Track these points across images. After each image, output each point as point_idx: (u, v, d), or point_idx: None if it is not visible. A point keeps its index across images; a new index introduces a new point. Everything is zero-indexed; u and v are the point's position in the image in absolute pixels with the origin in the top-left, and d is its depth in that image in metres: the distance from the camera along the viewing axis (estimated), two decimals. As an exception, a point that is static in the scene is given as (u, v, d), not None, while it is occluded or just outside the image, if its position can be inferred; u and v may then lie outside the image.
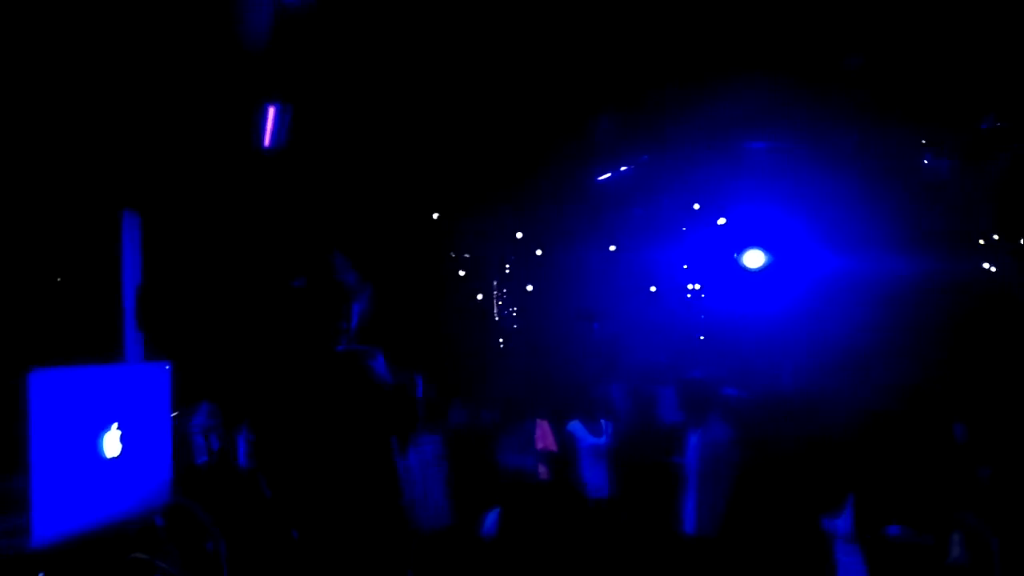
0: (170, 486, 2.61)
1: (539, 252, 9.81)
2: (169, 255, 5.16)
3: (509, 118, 8.39)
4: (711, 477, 6.19)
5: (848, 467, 5.51)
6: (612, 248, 10.00)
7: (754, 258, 9.77)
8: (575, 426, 7.09)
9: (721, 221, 10.05)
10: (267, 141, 6.29)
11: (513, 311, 9.94)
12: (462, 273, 9.67)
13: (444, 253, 9.55)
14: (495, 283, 9.89)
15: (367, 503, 3.46)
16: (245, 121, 6.24)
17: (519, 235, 9.75)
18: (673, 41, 7.56)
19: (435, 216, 9.06)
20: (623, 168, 9.26)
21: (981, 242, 11.65)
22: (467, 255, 9.66)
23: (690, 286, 10.33)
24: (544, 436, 7.42)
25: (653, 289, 10.38)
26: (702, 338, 10.19)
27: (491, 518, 6.75)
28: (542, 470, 7.27)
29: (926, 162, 8.65)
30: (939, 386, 6.59)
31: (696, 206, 10.07)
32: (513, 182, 9.03)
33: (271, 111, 6.23)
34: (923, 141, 8.59)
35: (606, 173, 9.30)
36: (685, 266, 10.47)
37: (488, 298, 9.91)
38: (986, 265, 11.98)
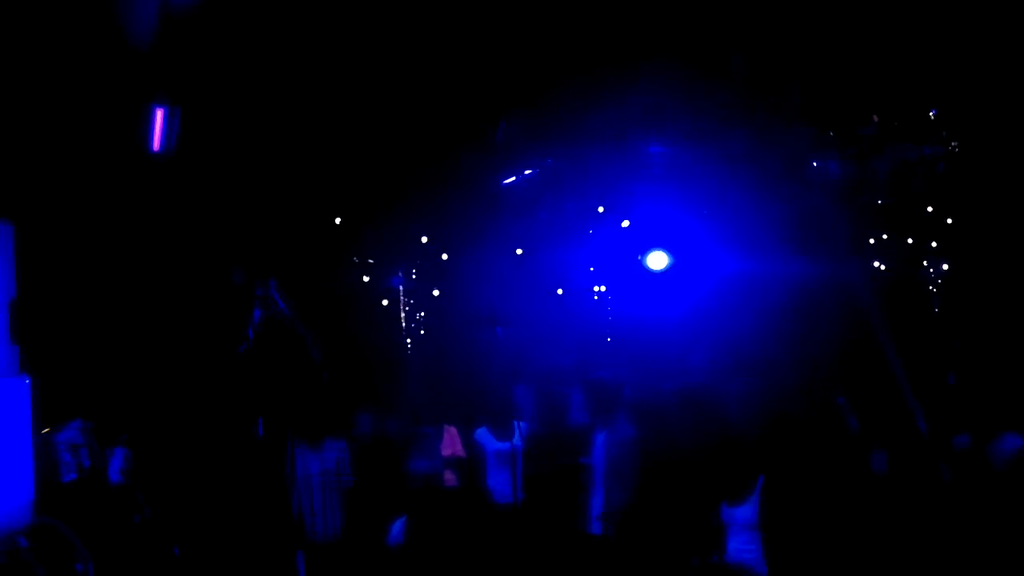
0: (32, 505, 2.43)
1: (445, 256, 9.74)
2: (46, 266, 4.88)
3: (411, 121, 8.31)
4: (617, 477, 6.22)
5: (752, 459, 5.61)
6: (518, 251, 10.00)
7: (657, 259, 9.92)
8: (481, 432, 7.04)
9: (625, 223, 10.17)
10: (155, 145, 6.03)
11: (420, 316, 9.84)
12: (366, 279, 9.52)
13: (347, 259, 9.37)
14: (400, 288, 9.77)
15: (253, 516, 3.33)
16: (131, 124, 5.97)
17: (424, 239, 9.66)
18: (572, 45, 7.63)
19: (337, 221, 8.90)
20: (527, 171, 9.29)
21: (871, 241, 12.16)
22: (371, 260, 9.51)
23: (596, 288, 10.42)
24: (452, 442, 7.36)
25: (560, 292, 10.43)
26: (609, 339, 10.28)
27: (397, 526, 6.63)
28: (449, 477, 7.20)
29: (815, 164, 8.96)
30: (832, 380, 6.81)
31: (600, 208, 10.18)
32: (417, 186, 8.96)
33: (159, 113, 5.97)
34: (811, 143, 8.90)
35: (511, 176, 9.31)
36: (591, 268, 10.56)
37: (394, 304, 9.78)
38: (876, 264, 12.51)
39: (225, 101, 6.59)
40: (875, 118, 8.69)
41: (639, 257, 9.97)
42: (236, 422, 3.50)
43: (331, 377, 4.65)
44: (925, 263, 12.80)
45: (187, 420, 3.51)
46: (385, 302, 9.70)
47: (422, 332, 9.81)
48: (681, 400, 6.45)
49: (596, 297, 10.48)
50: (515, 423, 6.67)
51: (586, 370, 7.46)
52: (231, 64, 6.26)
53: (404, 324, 9.70)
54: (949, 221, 12.40)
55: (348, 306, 8.83)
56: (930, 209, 12.19)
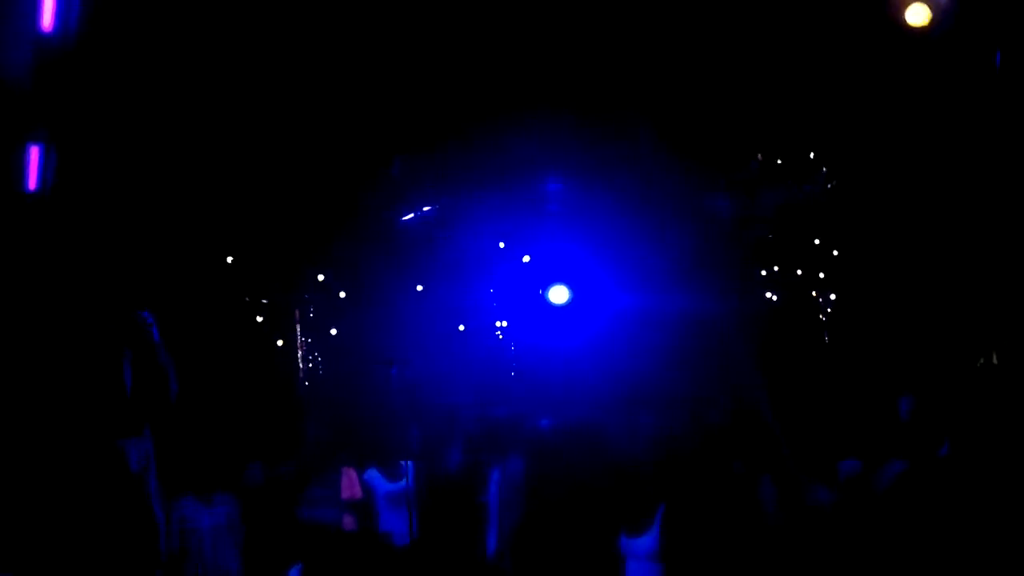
0: None
1: (343, 295, 9.61)
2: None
3: (307, 157, 8.23)
4: (512, 513, 6.20)
5: (651, 489, 5.66)
6: (419, 288, 9.96)
7: (559, 294, 10.03)
8: (371, 474, 6.91)
9: (526, 259, 10.27)
10: (30, 183, 5.80)
11: (317, 357, 9.66)
12: (260, 319, 9.31)
13: (239, 298, 9.15)
14: (297, 328, 9.58)
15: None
16: (5, 163, 5.74)
17: (320, 278, 9.52)
18: (466, 85, 7.71)
19: (229, 260, 8.69)
20: (426, 208, 9.29)
21: (763, 273, 12.61)
22: (264, 300, 9.30)
23: (498, 323, 10.46)
24: (350, 485, 7.20)
25: (462, 328, 10.42)
26: (513, 374, 10.31)
27: (293, 574, 6.43)
28: (348, 520, 7.04)
29: (707, 201, 9.27)
30: (723, 414, 6.97)
31: (501, 244, 10.25)
32: (312, 223, 8.84)
33: (34, 151, 5.75)
34: (703, 180, 9.21)
35: (409, 213, 9.29)
36: (493, 304, 10.60)
37: (290, 344, 9.58)
38: (768, 295, 12.96)
39: (105, 138, 6.39)
40: (759, 157, 9.06)
41: (541, 292, 10.07)
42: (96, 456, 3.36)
43: (182, 412, 4.54)
44: (814, 294, 13.35)
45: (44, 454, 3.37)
46: (280, 343, 9.50)
47: (320, 373, 9.63)
48: (573, 434, 6.49)
49: (499, 334, 10.52)
50: (404, 463, 6.58)
51: (483, 407, 7.45)
52: (110, 100, 6.08)
53: (301, 364, 9.50)
54: (835, 253, 12.99)
55: (239, 346, 8.60)
56: (816, 242, 12.75)
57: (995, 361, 10.99)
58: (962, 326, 10.98)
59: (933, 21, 5.66)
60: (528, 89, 7.93)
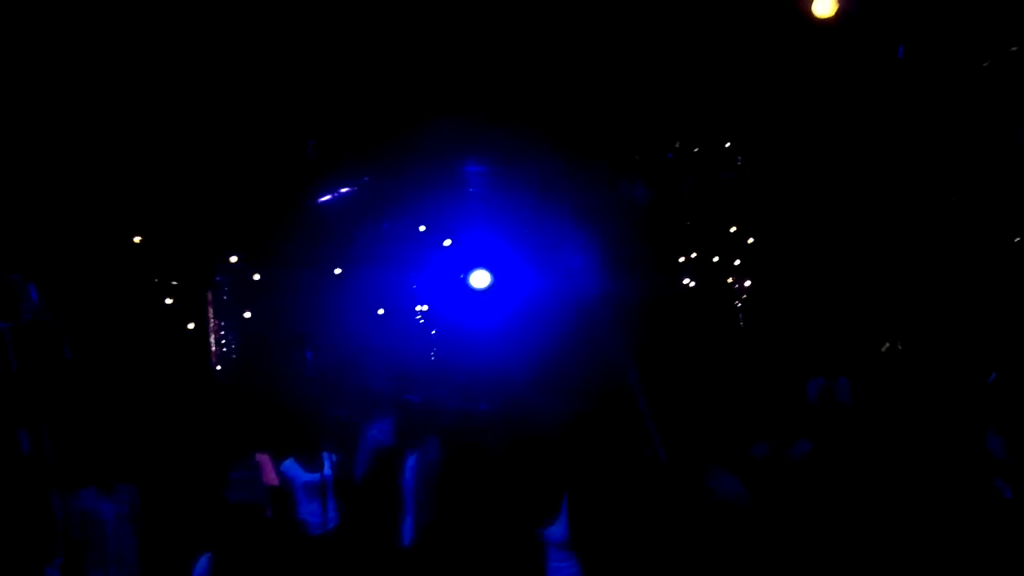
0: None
1: (257, 276, 9.37)
2: None
3: (220, 137, 7.98)
4: (428, 499, 6.16)
5: (558, 475, 5.68)
6: (337, 271, 9.79)
7: (480, 278, 9.98)
8: (288, 464, 6.75)
9: (447, 243, 10.18)
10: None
11: (231, 341, 9.41)
12: (169, 301, 9.00)
13: (147, 280, 8.82)
14: (210, 311, 9.31)
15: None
16: None
17: (233, 259, 9.26)
18: (385, 67, 7.59)
19: (136, 240, 8.38)
20: (344, 189, 9.10)
21: (681, 260, 12.81)
22: (175, 282, 9.00)
23: (419, 307, 10.37)
24: (268, 472, 7.04)
25: (381, 312, 10.29)
26: (432, 357, 10.25)
27: (202, 564, 6.25)
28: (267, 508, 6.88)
29: (623, 189, 9.34)
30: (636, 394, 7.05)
31: (422, 228, 10.14)
32: (225, 203, 8.58)
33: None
34: (619, 168, 9.29)
35: (327, 195, 9.10)
36: (414, 287, 10.50)
37: (201, 327, 9.30)
38: (686, 281, 13.18)
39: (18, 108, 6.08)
40: (677, 145, 9.17)
41: (461, 276, 10.01)
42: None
43: (82, 398, 4.34)
44: (730, 280, 13.64)
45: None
46: (192, 325, 9.21)
47: (234, 357, 9.39)
48: (491, 419, 6.49)
49: (420, 318, 10.42)
50: (324, 452, 6.45)
51: (400, 392, 7.37)
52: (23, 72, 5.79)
53: (214, 348, 9.24)
54: (750, 241, 13.29)
55: (151, 331, 8.31)
56: (733, 229, 13.02)
57: (900, 347, 11.45)
58: (870, 312, 11.39)
59: (840, 12, 5.81)
60: (447, 73, 7.85)
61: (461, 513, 6.19)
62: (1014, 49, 7.30)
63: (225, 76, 7.48)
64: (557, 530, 5.47)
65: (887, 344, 11.68)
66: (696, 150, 9.50)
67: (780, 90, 8.25)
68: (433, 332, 10.12)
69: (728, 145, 9.61)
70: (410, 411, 6.48)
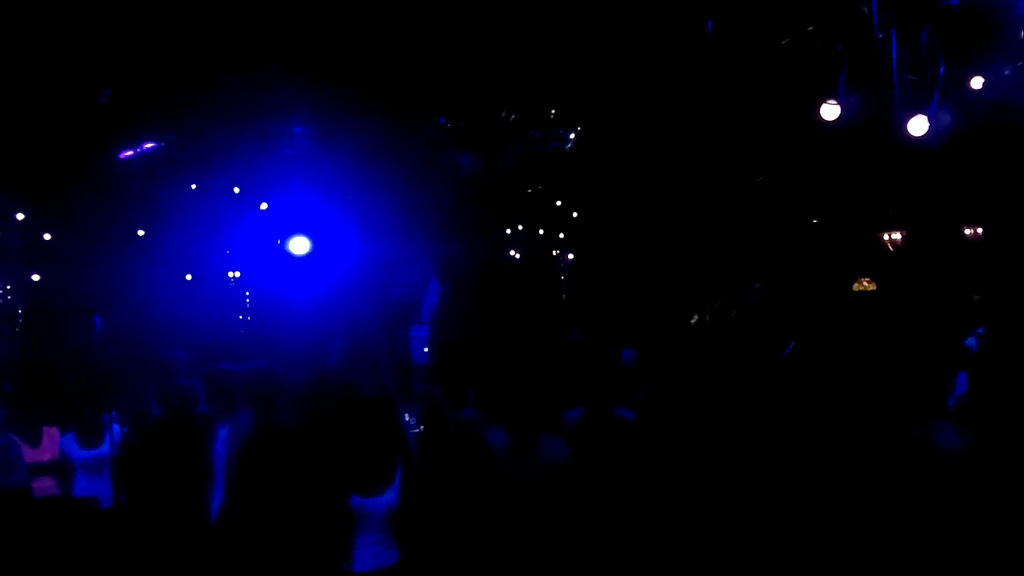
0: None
1: (47, 236, 8.55)
2: None
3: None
4: (239, 470, 5.85)
5: (376, 448, 5.53)
6: (140, 233, 9.09)
7: (299, 244, 9.59)
8: (66, 440, 6.21)
9: (264, 206, 9.69)
10: None
11: (16, 304, 8.55)
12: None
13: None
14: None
15: None
16: None
17: (20, 216, 8.39)
18: (198, 13, 7.05)
19: None
20: (148, 145, 8.43)
21: (508, 231, 12.93)
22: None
23: (231, 273, 9.82)
24: (51, 445, 6.45)
25: (189, 277, 9.67)
26: (247, 319, 9.74)
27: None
28: (48, 484, 6.30)
29: (447, 156, 9.26)
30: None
31: (236, 190, 9.58)
32: (9, 153, 7.72)
33: None
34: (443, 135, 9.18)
35: (128, 150, 8.38)
36: (227, 252, 9.93)
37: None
38: (512, 252, 13.32)
39: None
40: (504, 114, 9.16)
41: (279, 241, 9.57)
42: None
43: None
44: (555, 252, 13.90)
45: None
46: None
47: (20, 322, 8.52)
48: (306, 386, 6.24)
49: (231, 283, 9.88)
50: (107, 427, 5.97)
51: (212, 360, 6.96)
52: None
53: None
54: (575, 215, 13.59)
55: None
56: (559, 203, 13.26)
57: (707, 319, 12.09)
58: (683, 286, 11.94)
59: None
60: (266, 25, 7.41)
61: (271, 487, 5.94)
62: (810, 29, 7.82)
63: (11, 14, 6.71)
64: (381, 502, 5.34)
65: (696, 316, 12.27)
66: (523, 120, 9.54)
67: (609, 62, 8.39)
68: (247, 298, 9.64)
69: (554, 114, 9.72)
70: (221, 379, 6.14)
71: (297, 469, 5.68)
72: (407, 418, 6.10)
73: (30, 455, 6.18)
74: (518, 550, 5.39)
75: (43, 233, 8.52)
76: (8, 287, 8.43)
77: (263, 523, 5.87)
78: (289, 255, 9.39)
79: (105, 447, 6.00)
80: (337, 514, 5.40)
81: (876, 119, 8.63)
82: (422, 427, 6.31)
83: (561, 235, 13.28)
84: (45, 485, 6.26)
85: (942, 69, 8.11)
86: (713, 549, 4.79)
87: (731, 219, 11.48)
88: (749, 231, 11.80)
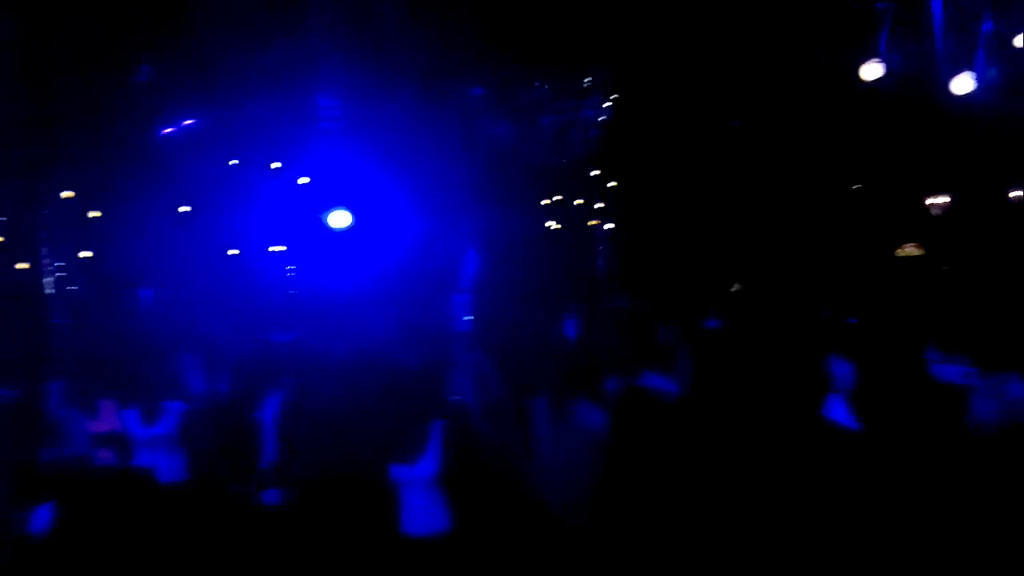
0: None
1: (95, 213, 8.74)
2: None
3: (50, 56, 7.28)
4: (287, 442, 6.00)
5: (425, 413, 5.62)
6: (186, 208, 9.25)
7: (339, 218, 9.69)
8: (128, 414, 6.40)
9: (304, 180, 9.79)
10: None
11: (66, 281, 8.76)
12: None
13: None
14: (42, 250, 8.61)
15: None
16: None
17: (69, 194, 8.58)
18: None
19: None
20: (190, 121, 8.55)
21: (545, 203, 12.89)
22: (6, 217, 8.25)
23: (276, 248, 9.96)
24: (108, 417, 6.67)
25: (235, 252, 9.83)
26: (291, 291, 9.88)
27: (42, 514, 5.86)
28: (105, 455, 6.52)
29: (486, 126, 9.24)
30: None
31: (277, 164, 9.69)
32: (57, 132, 7.88)
33: None
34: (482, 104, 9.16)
35: (170, 126, 8.52)
36: (269, 227, 10.07)
37: (35, 268, 8.61)
38: (551, 224, 13.30)
39: None
40: (539, 82, 9.12)
41: (320, 215, 9.68)
42: None
43: None
44: (594, 222, 13.84)
45: None
46: (26, 265, 8.49)
47: (71, 297, 8.73)
48: (348, 360, 6.35)
49: (276, 257, 10.02)
50: (166, 402, 6.15)
51: (258, 333, 7.11)
52: None
53: (47, 289, 8.57)
54: (611, 184, 13.51)
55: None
56: (596, 172, 13.18)
57: (739, 288, 11.99)
58: (721, 255, 11.86)
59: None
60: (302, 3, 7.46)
61: (319, 456, 6.07)
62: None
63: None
64: (420, 468, 5.44)
65: (736, 285, 12.18)
66: (558, 87, 9.49)
67: (644, 23, 8.29)
68: (290, 272, 9.78)
69: (589, 83, 9.65)
70: (270, 350, 6.28)
71: (341, 437, 5.80)
72: (450, 385, 6.18)
73: (89, 427, 6.40)
74: (557, 517, 5.48)
75: (91, 210, 8.73)
76: (62, 263, 8.65)
77: (311, 491, 6.03)
78: (330, 228, 9.50)
79: (164, 423, 6.18)
80: (381, 481, 5.51)
81: (919, 78, 8.44)
82: (467, 395, 6.39)
83: (599, 205, 13.23)
84: (104, 456, 6.48)
85: (988, 25, 7.91)
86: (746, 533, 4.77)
87: (770, 184, 11.35)
88: (789, 197, 11.65)
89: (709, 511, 4.86)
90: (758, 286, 10.99)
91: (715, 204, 11.91)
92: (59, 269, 8.53)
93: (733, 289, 12.05)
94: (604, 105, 10.07)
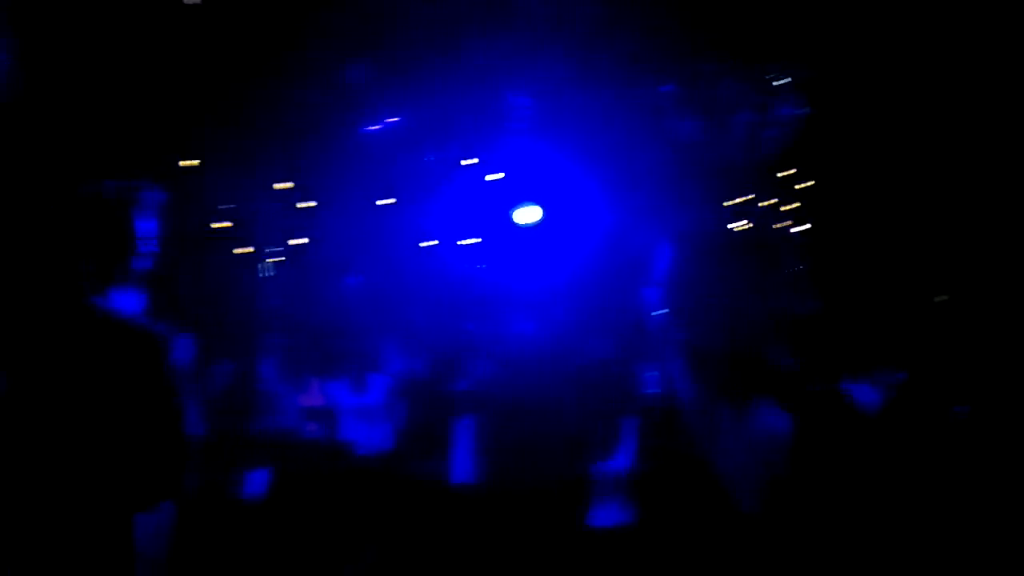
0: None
1: (309, 204, 9.38)
2: None
3: (263, 62, 7.90)
4: (480, 428, 6.16)
5: (611, 412, 5.61)
6: (388, 201, 9.73)
7: (528, 214, 9.87)
8: (336, 386, 6.82)
9: (496, 176, 10.04)
10: None
11: (280, 265, 9.45)
12: (224, 225, 9.05)
13: (208, 207, 8.91)
14: (261, 237, 9.35)
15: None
16: None
17: (283, 186, 9.25)
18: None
19: (188, 164, 8.38)
20: (392, 119, 9.00)
21: (736, 201, 12.48)
22: (233, 205, 9.06)
23: (467, 241, 10.28)
24: (314, 393, 7.14)
25: (434, 243, 10.24)
26: (481, 291, 10.15)
27: (258, 478, 6.35)
28: (312, 428, 6.99)
29: (674, 122, 9.08)
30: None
31: (473, 160, 10.01)
32: (273, 132, 8.55)
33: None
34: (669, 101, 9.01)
35: (374, 124, 9.01)
36: (460, 222, 10.42)
37: (257, 253, 9.38)
38: (744, 223, 12.85)
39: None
40: (729, 78, 8.87)
41: (510, 211, 9.90)
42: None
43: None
44: (786, 224, 13.28)
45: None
46: (250, 249, 9.29)
47: (286, 282, 9.43)
48: (543, 355, 6.43)
49: (467, 251, 10.34)
50: (371, 376, 6.50)
51: (456, 321, 7.35)
52: None
53: (268, 274, 9.30)
54: (808, 184, 12.90)
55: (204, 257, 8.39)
56: (791, 172, 12.64)
57: (945, 298, 11.09)
58: (931, 257, 11.03)
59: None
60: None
61: (512, 446, 6.17)
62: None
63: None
64: (609, 466, 5.42)
65: (942, 296, 11.33)
66: (751, 83, 9.18)
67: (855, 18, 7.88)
68: (481, 266, 10.06)
69: (785, 81, 9.27)
70: (465, 339, 6.49)
71: (533, 428, 5.87)
72: (643, 381, 6.12)
73: (299, 401, 6.88)
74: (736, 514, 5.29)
75: (299, 201, 9.38)
76: (279, 249, 9.35)
77: (500, 478, 6.13)
78: (522, 223, 9.71)
79: (371, 394, 6.53)
80: (573, 475, 5.53)
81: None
82: (658, 390, 6.31)
83: (793, 205, 12.68)
84: (310, 428, 6.94)
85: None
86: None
87: (980, 184, 10.45)
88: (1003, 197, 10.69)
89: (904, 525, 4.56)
90: (973, 295, 10.15)
91: (922, 203, 11.13)
92: (275, 254, 9.24)
93: (939, 299, 11.21)
94: (798, 103, 9.64)
